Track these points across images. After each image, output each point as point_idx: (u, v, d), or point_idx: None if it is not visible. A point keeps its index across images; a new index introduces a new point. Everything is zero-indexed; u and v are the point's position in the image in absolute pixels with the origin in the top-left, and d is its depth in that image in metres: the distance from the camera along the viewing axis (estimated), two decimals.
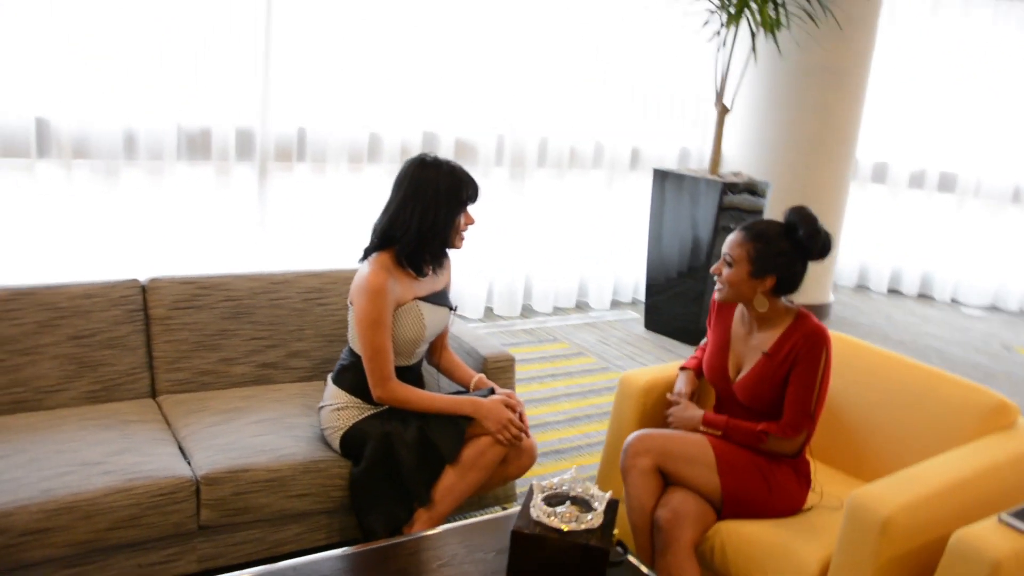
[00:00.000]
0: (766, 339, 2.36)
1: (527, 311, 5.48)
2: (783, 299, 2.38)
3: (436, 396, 2.51)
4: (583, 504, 1.94)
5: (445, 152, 4.84)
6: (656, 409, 2.61)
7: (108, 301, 2.72)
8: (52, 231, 3.93)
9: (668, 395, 2.58)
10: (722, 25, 4.67)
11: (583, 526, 1.86)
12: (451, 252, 2.63)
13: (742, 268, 2.32)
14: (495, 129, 5.09)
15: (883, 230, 6.74)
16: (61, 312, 2.64)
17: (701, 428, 2.39)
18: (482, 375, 2.72)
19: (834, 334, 2.81)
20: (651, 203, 5.24)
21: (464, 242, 2.58)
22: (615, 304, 5.81)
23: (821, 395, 2.32)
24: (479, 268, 5.20)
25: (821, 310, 5.75)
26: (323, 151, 4.58)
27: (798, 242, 2.30)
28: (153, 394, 2.77)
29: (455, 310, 2.72)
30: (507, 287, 5.35)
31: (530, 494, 1.94)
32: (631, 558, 2.02)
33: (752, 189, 4.96)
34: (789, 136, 5.38)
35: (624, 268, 5.83)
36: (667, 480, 2.35)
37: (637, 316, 5.57)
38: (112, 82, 3.94)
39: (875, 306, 6.47)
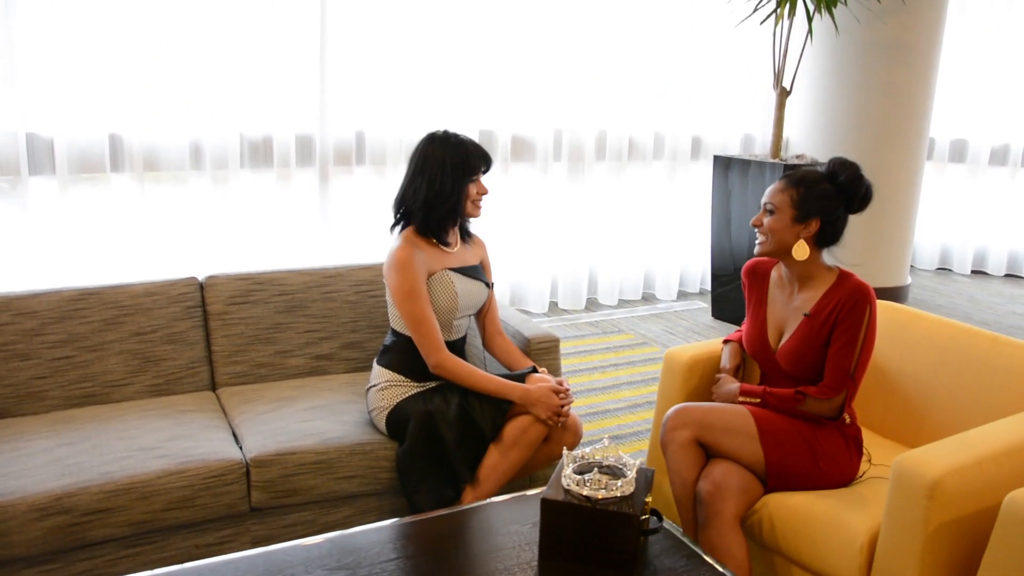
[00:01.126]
0: (808, 300, 2.31)
1: (592, 304, 5.46)
2: (824, 256, 2.32)
3: (487, 376, 2.53)
4: (615, 472, 1.93)
5: (502, 149, 4.88)
6: (701, 384, 2.58)
7: (168, 299, 2.84)
8: (125, 239, 4.12)
9: (716, 374, 2.55)
10: (777, 5, 4.58)
11: (614, 493, 1.85)
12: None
13: (785, 214, 2.28)
14: (552, 124, 5.11)
15: (965, 210, 6.46)
16: (124, 310, 2.78)
17: (740, 399, 2.35)
18: (543, 372, 2.63)
19: (888, 303, 2.72)
20: (712, 191, 5.17)
21: (480, 211, 2.66)
22: (682, 295, 5.74)
23: (864, 355, 2.25)
24: (542, 263, 5.22)
25: (898, 292, 5.55)
26: (382, 153, 4.68)
27: (840, 186, 2.26)
28: (213, 387, 2.88)
29: (491, 286, 2.75)
30: (571, 281, 5.35)
31: (561, 463, 1.94)
32: (668, 526, 2.00)
33: None
34: (855, 116, 5.22)
35: (690, 258, 5.76)
36: (709, 453, 2.32)
37: (705, 306, 5.49)
38: (178, 97, 4.13)
39: (957, 288, 6.20)
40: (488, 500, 2.20)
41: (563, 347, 4.34)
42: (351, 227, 4.65)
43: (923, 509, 1.91)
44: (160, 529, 2.26)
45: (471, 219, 2.73)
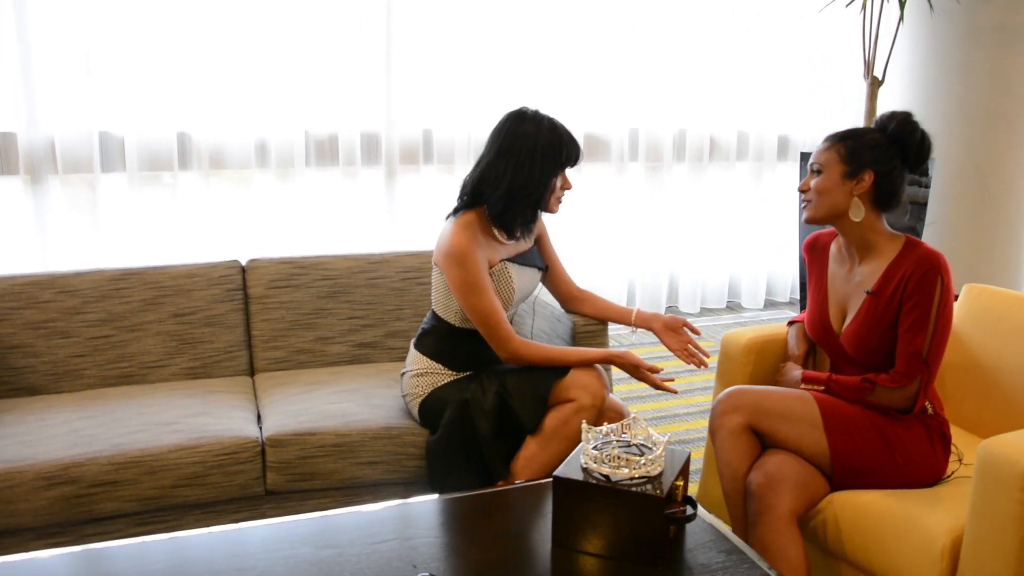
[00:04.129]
0: (870, 274, 2.03)
1: (672, 312, 5.19)
2: (885, 223, 2.05)
3: (570, 349, 2.35)
4: (641, 451, 1.71)
5: None
6: (762, 369, 2.32)
7: (208, 280, 2.78)
8: (191, 236, 4.14)
9: (782, 363, 2.30)
10: None
11: (637, 472, 1.63)
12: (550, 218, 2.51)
13: (834, 171, 2.02)
14: (627, 122, 4.90)
15: None
16: (164, 291, 2.73)
17: (802, 387, 2.08)
18: (640, 308, 2.63)
19: (982, 286, 2.41)
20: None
21: (560, 206, 2.42)
22: (769, 304, 5.40)
23: (938, 335, 1.95)
24: (618, 267, 5.00)
25: None
26: (450, 152, 4.58)
27: (892, 136, 2.01)
28: (251, 372, 2.79)
29: (546, 270, 2.56)
30: (649, 287, 5.10)
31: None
32: (708, 518, 1.76)
33: None
34: (958, 107, 4.80)
35: (779, 265, 5.41)
36: (766, 443, 2.06)
37: (794, 315, 5.13)
38: (245, 96, 4.14)
39: None
40: (507, 486, 2.01)
41: (638, 352, 4.13)
42: (418, 227, 4.55)
43: (1016, 503, 1.61)
44: (170, 507, 2.16)
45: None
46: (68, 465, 2.06)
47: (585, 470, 1.66)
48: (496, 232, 2.39)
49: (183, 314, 2.73)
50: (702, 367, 2.51)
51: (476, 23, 4.45)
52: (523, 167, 2.28)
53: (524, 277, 2.46)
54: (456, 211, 2.42)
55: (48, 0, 3.74)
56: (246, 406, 2.44)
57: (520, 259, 2.45)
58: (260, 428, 2.32)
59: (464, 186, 2.42)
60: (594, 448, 1.69)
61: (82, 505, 2.07)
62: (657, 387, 2.36)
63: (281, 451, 2.23)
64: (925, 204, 4.62)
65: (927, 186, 4.61)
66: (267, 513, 2.26)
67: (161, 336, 2.70)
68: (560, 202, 2.41)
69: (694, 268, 5.20)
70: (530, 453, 2.29)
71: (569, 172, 2.39)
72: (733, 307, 5.35)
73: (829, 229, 2.21)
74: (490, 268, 2.36)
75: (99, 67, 3.89)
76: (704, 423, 3.48)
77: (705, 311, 5.24)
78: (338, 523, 1.74)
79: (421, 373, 2.42)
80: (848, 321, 2.08)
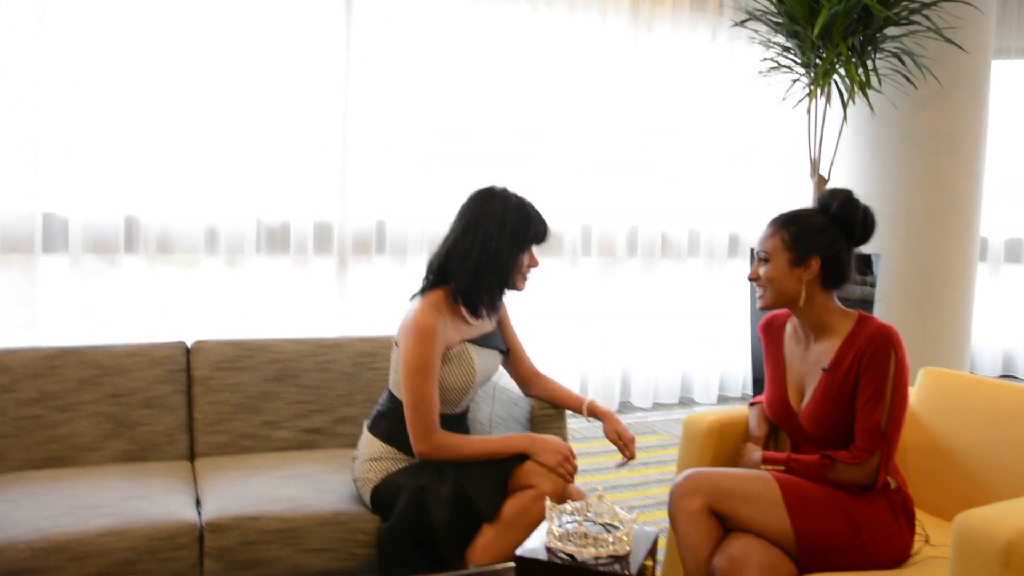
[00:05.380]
0: (825, 352, 2.03)
1: (625, 407, 5.14)
2: (837, 300, 2.06)
3: (482, 439, 2.28)
4: (608, 529, 1.62)
5: None
6: (726, 452, 2.27)
7: (150, 361, 2.66)
8: (134, 322, 4.00)
9: (743, 443, 2.25)
10: (808, 89, 4.45)
11: (603, 551, 1.54)
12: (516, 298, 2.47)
13: (780, 259, 2.03)
14: (580, 218, 4.96)
15: None
16: (103, 370, 2.60)
17: (763, 467, 2.04)
18: (594, 400, 2.55)
19: (941, 370, 2.41)
20: (750, 287, 4.90)
21: (527, 284, 2.38)
22: (723, 399, 5.39)
23: (895, 408, 1.94)
24: (571, 362, 4.96)
25: None
26: (403, 243, 4.56)
27: (835, 217, 2.04)
28: (191, 457, 2.64)
29: (507, 353, 2.51)
30: (602, 382, 5.06)
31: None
32: None
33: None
34: (899, 208, 4.95)
35: (731, 360, 5.43)
36: (728, 526, 1.99)
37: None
38: (197, 182, 4.09)
39: None
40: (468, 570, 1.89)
41: (591, 446, 4.06)
42: (370, 317, 4.48)
43: None
44: None
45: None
46: None
47: (549, 550, 1.57)
48: (463, 311, 2.34)
49: (121, 395, 2.59)
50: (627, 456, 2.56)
51: (432, 117, 4.51)
52: (490, 243, 2.26)
53: (485, 359, 2.39)
54: (423, 291, 2.37)
55: None
56: (184, 490, 2.30)
57: (481, 340, 2.40)
58: (199, 512, 2.17)
59: (430, 265, 2.38)
60: (558, 526, 1.60)
61: None
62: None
63: (221, 536, 2.08)
64: (871, 302, 4.71)
65: (873, 284, 4.71)
66: None
67: (96, 417, 2.55)
68: (527, 279, 2.38)
69: (647, 363, 5.18)
70: (487, 541, 2.18)
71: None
72: (686, 402, 5.32)
73: (784, 310, 2.22)
74: (449, 349, 2.30)
75: (47, 148, 3.82)
76: (663, 514, 3.39)
77: (658, 406, 5.20)
78: None
79: (375, 458, 2.31)
80: (806, 400, 2.06)
